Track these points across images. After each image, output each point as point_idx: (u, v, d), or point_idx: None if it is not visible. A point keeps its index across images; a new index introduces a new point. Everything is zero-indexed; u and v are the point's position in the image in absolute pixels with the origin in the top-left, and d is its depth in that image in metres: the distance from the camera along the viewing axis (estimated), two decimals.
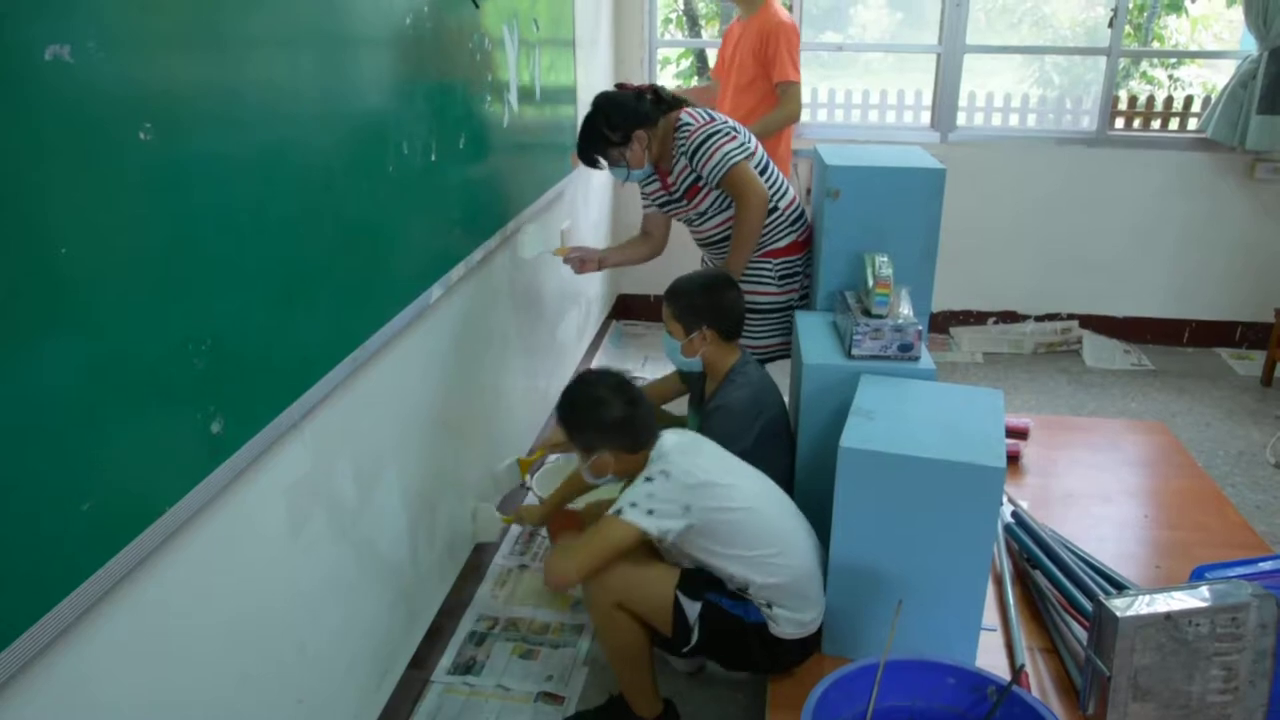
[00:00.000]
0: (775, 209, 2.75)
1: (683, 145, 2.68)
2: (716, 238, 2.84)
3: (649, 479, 1.90)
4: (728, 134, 2.67)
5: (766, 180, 2.72)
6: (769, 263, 2.80)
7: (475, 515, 2.62)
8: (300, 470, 1.65)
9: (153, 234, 1.20)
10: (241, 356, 1.40)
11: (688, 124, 2.69)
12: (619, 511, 1.89)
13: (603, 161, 2.74)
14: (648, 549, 2.03)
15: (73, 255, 1.06)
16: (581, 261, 2.97)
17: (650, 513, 1.87)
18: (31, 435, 1.03)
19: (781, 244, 2.79)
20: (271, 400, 1.50)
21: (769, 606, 1.96)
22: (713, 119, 2.70)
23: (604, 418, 1.98)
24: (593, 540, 1.91)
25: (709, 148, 2.64)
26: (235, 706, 1.50)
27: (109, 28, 1.10)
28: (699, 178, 2.70)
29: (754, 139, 2.77)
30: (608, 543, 1.89)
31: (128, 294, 1.16)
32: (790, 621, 1.95)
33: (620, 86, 2.74)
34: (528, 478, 2.89)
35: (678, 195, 2.79)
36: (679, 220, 2.92)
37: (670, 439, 2.01)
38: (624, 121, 2.65)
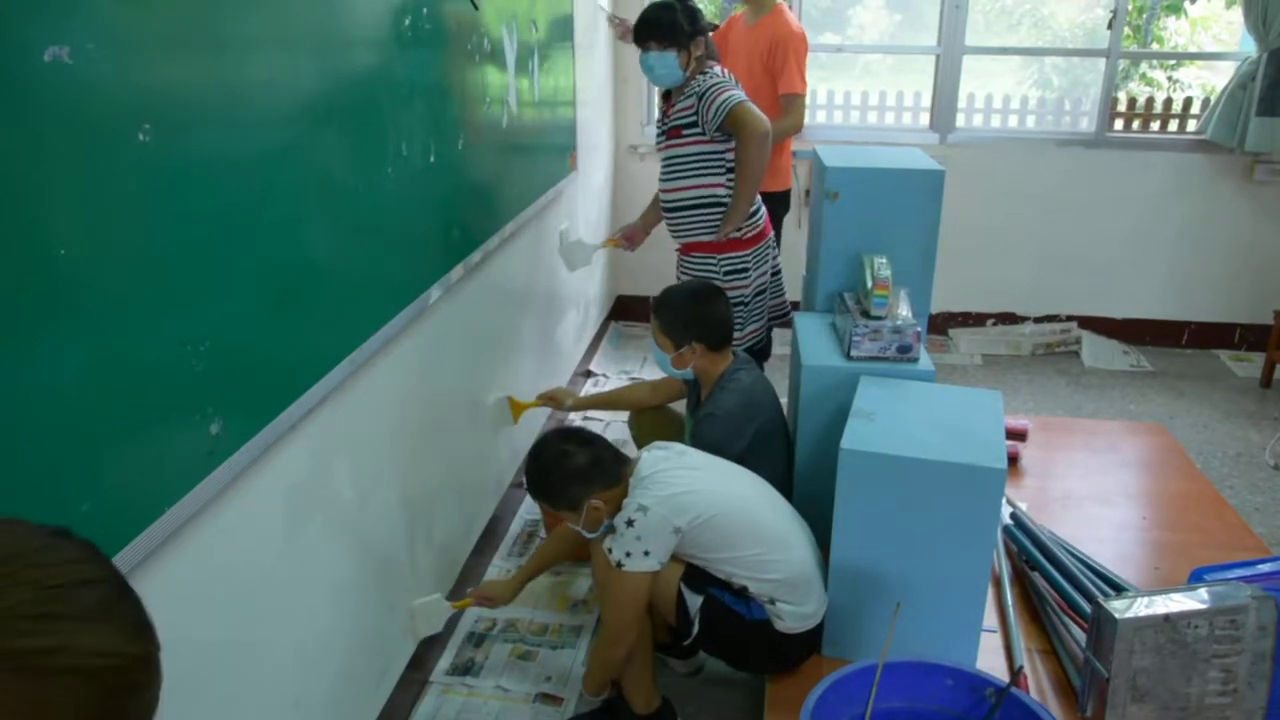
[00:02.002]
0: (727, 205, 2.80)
1: (698, 85, 2.75)
2: (676, 204, 2.87)
3: (630, 522, 1.91)
4: (738, 90, 2.76)
5: (730, 175, 2.78)
6: (713, 258, 2.83)
7: (414, 614, 2.22)
8: (299, 471, 1.65)
9: (152, 235, 1.20)
10: (240, 358, 1.40)
11: (715, 70, 2.79)
12: (619, 564, 1.91)
13: (654, 46, 2.75)
14: None
15: (72, 256, 1.06)
16: (629, 238, 3.13)
17: (646, 554, 1.91)
18: (30, 436, 1.03)
19: (744, 237, 2.84)
20: (270, 401, 1.50)
21: (772, 603, 1.96)
22: (735, 84, 2.79)
23: (574, 467, 1.99)
24: (618, 602, 1.95)
25: (717, 91, 2.71)
26: (231, 709, 1.50)
27: (108, 29, 1.10)
28: (694, 124, 2.75)
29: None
30: (631, 598, 1.94)
31: (126, 295, 1.16)
32: (794, 615, 1.96)
33: None
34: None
35: (666, 127, 2.85)
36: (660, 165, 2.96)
37: (644, 460, 2.03)
38: (696, 23, 2.75)
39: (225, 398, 1.36)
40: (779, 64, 3.43)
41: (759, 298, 2.92)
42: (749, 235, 2.84)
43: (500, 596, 2.30)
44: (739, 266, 2.84)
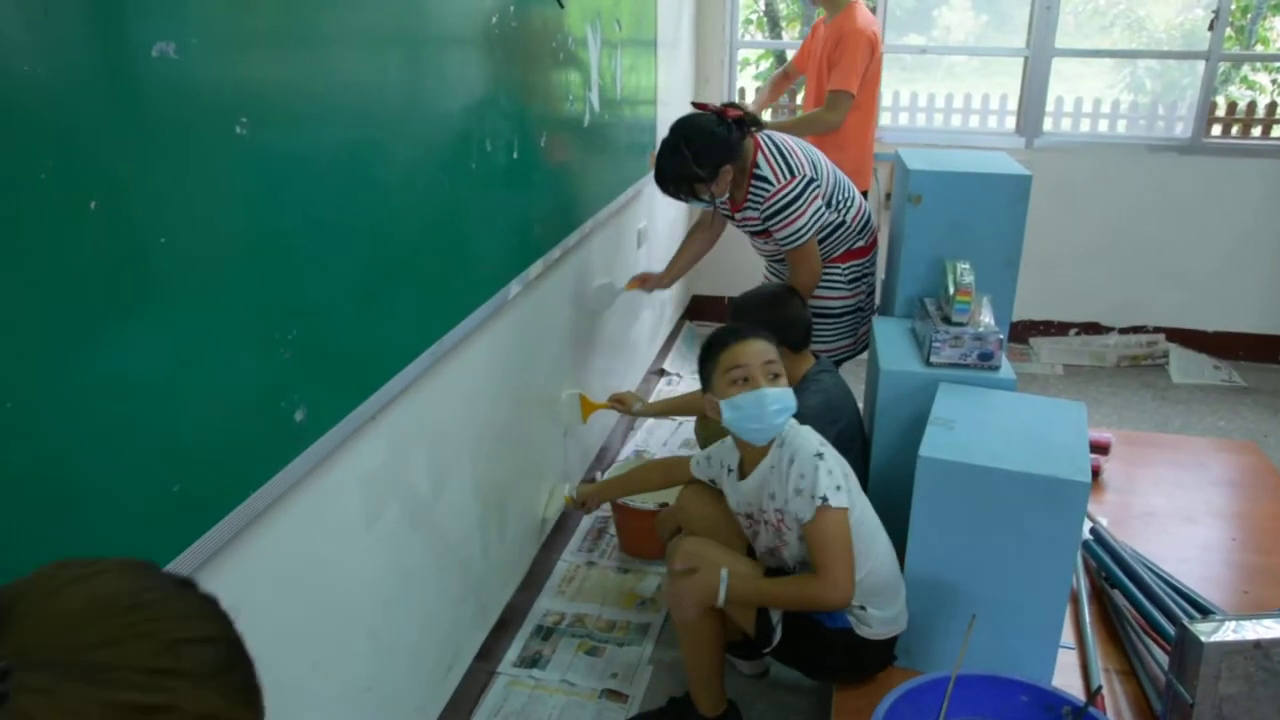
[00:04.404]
0: (843, 222, 2.74)
1: (758, 202, 2.63)
2: (780, 255, 2.84)
3: (820, 455, 1.85)
4: (807, 195, 2.60)
5: (834, 195, 2.71)
6: (838, 268, 2.79)
7: (551, 493, 2.69)
8: (377, 461, 1.68)
9: (246, 225, 1.23)
10: (326, 347, 1.43)
11: (766, 181, 2.60)
12: (825, 500, 1.81)
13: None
14: (737, 548, 2.08)
15: (172, 244, 1.10)
16: (644, 281, 3.05)
17: (839, 488, 1.83)
18: (128, 416, 1.06)
19: (850, 249, 2.80)
20: (353, 391, 1.53)
21: (862, 609, 1.92)
22: (791, 173, 2.60)
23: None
24: (836, 548, 1.82)
25: (786, 217, 2.61)
26: (305, 692, 1.54)
27: (210, 26, 1.13)
28: (769, 229, 2.69)
29: (824, 173, 2.70)
30: (843, 538, 1.83)
31: (221, 283, 1.19)
32: (880, 620, 1.92)
33: (699, 107, 2.64)
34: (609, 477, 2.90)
35: (746, 229, 2.79)
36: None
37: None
38: (712, 157, 2.54)
39: (310, 386, 1.39)
40: (836, 58, 3.39)
41: (850, 315, 2.87)
42: (867, 243, 2.83)
43: (583, 495, 2.57)
44: (861, 273, 2.84)
